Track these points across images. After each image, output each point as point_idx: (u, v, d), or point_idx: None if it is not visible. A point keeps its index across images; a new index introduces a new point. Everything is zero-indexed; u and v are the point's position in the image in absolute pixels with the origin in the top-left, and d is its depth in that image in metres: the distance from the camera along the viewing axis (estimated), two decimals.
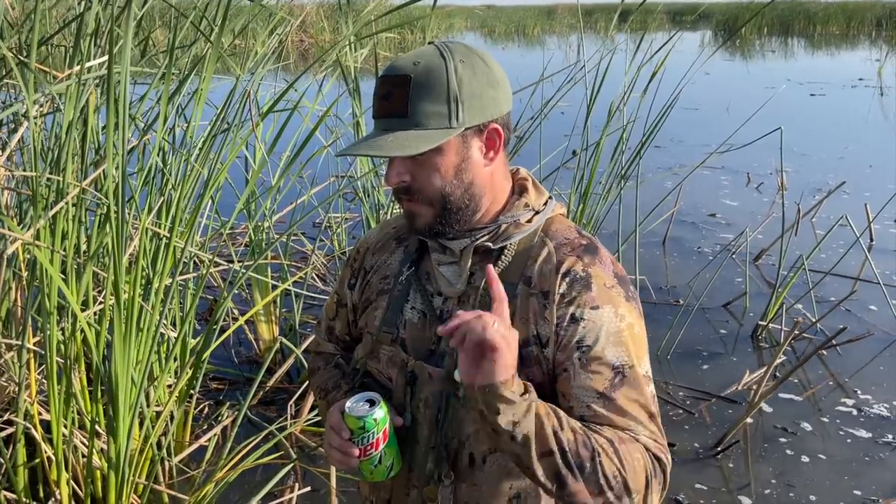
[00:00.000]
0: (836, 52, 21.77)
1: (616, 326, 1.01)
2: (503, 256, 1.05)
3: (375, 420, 1.00)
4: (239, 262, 3.11)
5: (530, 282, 1.03)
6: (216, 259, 3.98)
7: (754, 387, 2.83)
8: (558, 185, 3.78)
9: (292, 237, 3.86)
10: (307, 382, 2.93)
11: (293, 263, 3.87)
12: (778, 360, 3.26)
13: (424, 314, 1.09)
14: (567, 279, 1.02)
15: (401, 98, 0.97)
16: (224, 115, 2.41)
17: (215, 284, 3.69)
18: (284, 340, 2.82)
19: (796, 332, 3.38)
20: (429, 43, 1.01)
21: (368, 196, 3.51)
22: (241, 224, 4.34)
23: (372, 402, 1.02)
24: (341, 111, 3.77)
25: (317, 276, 3.98)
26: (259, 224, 3.18)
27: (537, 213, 1.08)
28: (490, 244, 1.04)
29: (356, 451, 1.01)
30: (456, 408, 1.03)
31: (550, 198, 1.12)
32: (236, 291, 3.57)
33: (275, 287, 3.28)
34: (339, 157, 4.18)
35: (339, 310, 1.24)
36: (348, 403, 1.02)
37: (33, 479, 2.21)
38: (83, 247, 2.26)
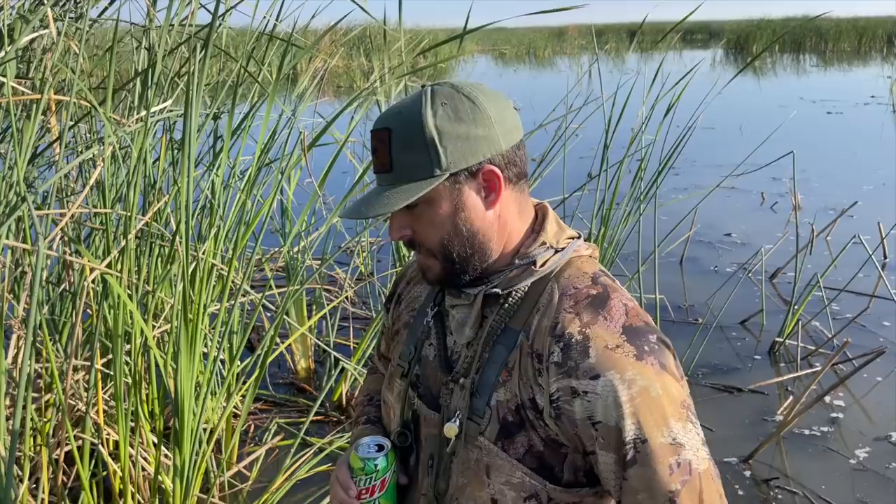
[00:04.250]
0: (848, 69, 21.86)
1: (624, 395, 0.89)
2: (510, 298, 0.99)
3: (376, 466, 1.01)
4: (278, 287, 3.28)
5: (529, 334, 0.97)
6: (256, 284, 4.15)
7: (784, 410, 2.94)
8: (576, 208, 3.93)
9: (317, 259, 4.03)
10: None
11: (326, 287, 4.03)
12: (792, 375, 3.39)
13: (438, 353, 1.07)
14: (560, 344, 0.92)
15: (384, 153, 0.95)
16: (269, 148, 2.59)
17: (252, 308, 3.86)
18: (338, 356, 2.96)
19: (832, 353, 3.49)
20: (421, 86, 0.98)
21: None
22: (270, 248, 4.51)
23: (380, 448, 1.04)
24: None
25: (346, 298, 4.15)
26: (296, 256, 3.34)
27: (557, 251, 1.01)
28: (499, 290, 0.99)
29: (354, 490, 1.03)
30: (449, 459, 1.01)
31: (579, 236, 1.05)
32: (270, 314, 3.74)
33: (310, 309, 3.45)
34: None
35: (384, 329, 1.30)
36: (361, 440, 1.06)
37: (97, 494, 2.36)
38: (143, 274, 2.43)
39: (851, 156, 8.43)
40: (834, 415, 3.11)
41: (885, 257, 4.87)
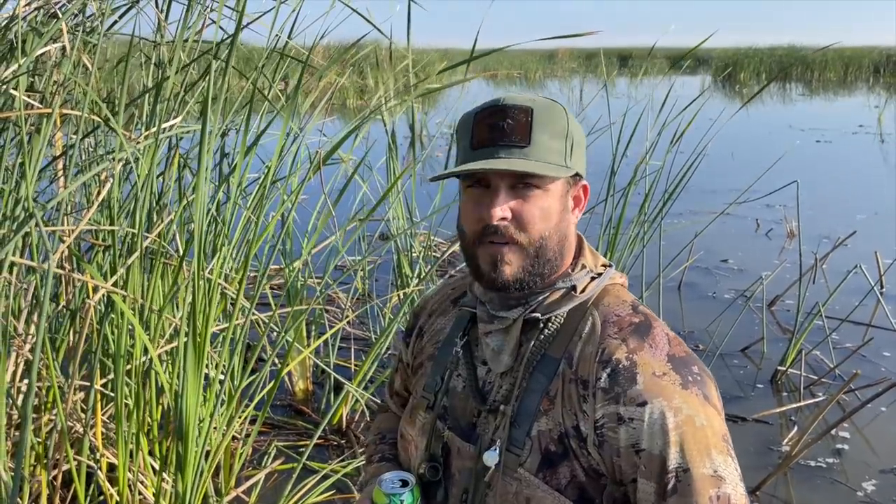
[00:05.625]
0: (834, 99, 22.15)
1: (670, 423, 0.88)
2: (549, 324, 0.98)
3: (401, 501, 1.00)
4: (278, 305, 3.21)
5: (572, 362, 0.95)
6: (257, 302, 4.09)
7: (790, 442, 2.91)
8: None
9: (318, 278, 3.98)
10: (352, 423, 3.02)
11: (326, 307, 3.98)
12: (796, 405, 3.37)
13: (468, 383, 1.03)
14: (608, 370, 0.91)
15: (523, 127, 0.92)
16: (278, 165, 2.55)
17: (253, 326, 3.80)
18: (340, 379, 2.91)
19: (835, 384, 3.46)
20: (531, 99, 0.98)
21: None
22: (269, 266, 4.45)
23: (405, 483, 1.02)
24: (375, 159, 3.96)
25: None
26: (300, 277, 3.29)
27: (593, 278, 1.01)
28: (539, 315, 0.97)
29: None
30: (484, 492, 0.97)
31: (610, 265, 1.05)
32: (270, 332, 3.68)
33: (308, 329, 3.39)
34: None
35: (399, 364, 1.24)
36: (384, 475, 1.04)
37: None
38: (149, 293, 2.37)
39: (843, 184, 8.50)
40: (839, 446, 3.08)
41: (882, 287, 4.89)
